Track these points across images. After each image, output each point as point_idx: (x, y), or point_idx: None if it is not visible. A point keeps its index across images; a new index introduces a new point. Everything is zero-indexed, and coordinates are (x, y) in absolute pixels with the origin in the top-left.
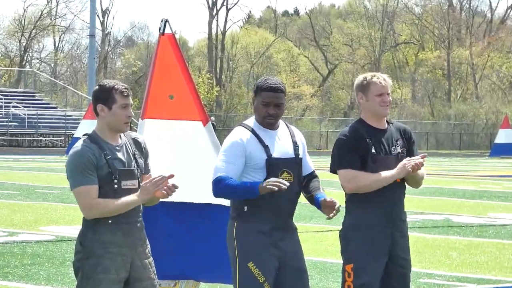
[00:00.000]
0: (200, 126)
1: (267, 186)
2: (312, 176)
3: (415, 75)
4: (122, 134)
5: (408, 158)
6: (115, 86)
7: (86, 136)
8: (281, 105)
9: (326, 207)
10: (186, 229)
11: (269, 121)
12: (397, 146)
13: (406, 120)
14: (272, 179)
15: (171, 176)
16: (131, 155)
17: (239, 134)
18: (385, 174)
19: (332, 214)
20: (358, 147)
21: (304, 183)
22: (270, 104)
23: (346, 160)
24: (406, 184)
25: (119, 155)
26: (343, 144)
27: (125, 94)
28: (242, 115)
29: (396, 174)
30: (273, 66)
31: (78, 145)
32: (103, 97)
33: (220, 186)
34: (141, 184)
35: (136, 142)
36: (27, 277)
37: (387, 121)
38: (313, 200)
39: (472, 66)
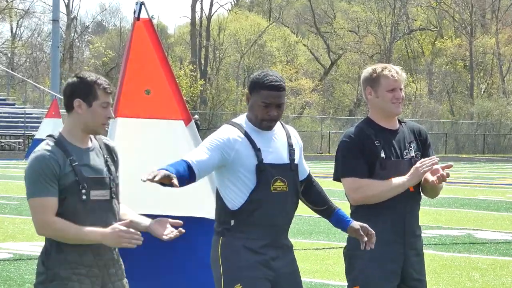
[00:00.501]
0: (181, 125)
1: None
2: (310, 181)
3: (432, 66)
4: (92, 137)
5: (421, 160)
6: (98, 81)
7: (50, 138)
8: (282, 105)
9: (360, 235)
10: (165, 246)
11: (268, 124)
12: (411, 149)
13: (421, 119)
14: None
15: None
16: (103, 161)
17: (226, 132)
18: (396, 181)
19: (370, 246)
20: (364, 151)
21: (303, 190)
22: (271, 105)
23: (352, 166)
24: (421, 194)
25: (89, 160)
26: (348, 147)
27: (108, 91)
28: (230, 113)
29: (408, 181)
30: (267, 56)
31: (39, 148)
32: (83, 91)
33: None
34: (117, 227)
35: (108, 147)
36: None
37: (399, 121)
38: (332, 215)
39: (499, 56)
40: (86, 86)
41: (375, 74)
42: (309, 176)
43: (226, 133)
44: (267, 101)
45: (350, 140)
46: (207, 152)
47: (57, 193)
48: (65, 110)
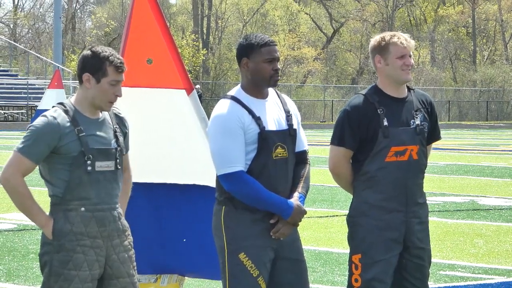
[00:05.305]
0: (183, 95)
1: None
2: (302, 158)
3: (434, 34)
4: None
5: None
6: (110, 58)
7: (60, 106)
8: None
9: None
10: (168, 215)
11: (276, 78)
12: (417, 118)
13: (424, 86)
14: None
15: None
16: (112, 131)
17: (228, 108)
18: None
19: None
20: (361, 125)
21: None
22: (274, 60)
23: (342, 137)
24: (426, 162)
25: (97, 131)
26: (345, 118)
27: (120, 70)
28: (233, 83)
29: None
30: (269, 25)
31: (48, 114)
32: (94, 66)
33: (244, 188)
34: None
35: (118, 117)
36: None
37: (408, 88)
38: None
39: (501, 23)
40: (97, 62)
41: (384, 42)
42: (303, 153)
43: (230, 109)
44: (270, 56)
45: (351, 110)
46: (238, 145)
47: (41, 159)
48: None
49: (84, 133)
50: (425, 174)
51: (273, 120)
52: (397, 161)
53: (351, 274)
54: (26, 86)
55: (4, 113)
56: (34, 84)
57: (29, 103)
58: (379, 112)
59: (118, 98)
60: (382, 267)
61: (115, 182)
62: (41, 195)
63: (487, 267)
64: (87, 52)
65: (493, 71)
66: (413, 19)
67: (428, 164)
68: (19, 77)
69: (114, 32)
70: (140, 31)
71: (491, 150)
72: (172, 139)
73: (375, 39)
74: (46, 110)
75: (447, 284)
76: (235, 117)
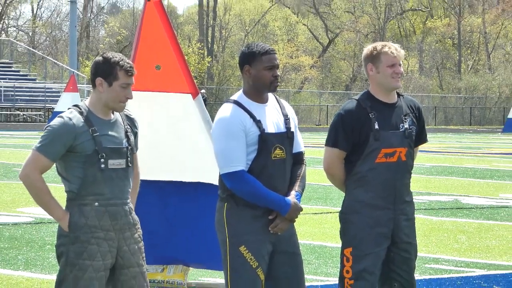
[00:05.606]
0: (189, 99)
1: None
2: (299, 159)
3: (423, 44)
4: None
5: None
6: (120, 62)
7: (76, 108)
8: (278, 66)
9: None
10: (174, 210)
11: (276, 84)
12: (406, 121)
13: (413, 93)
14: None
15: None
16: (123, 132)
17: (231, 111)
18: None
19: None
20: (354, 128)
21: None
22: (274, 67)
23: (336, 139)
24: (413, 163)
25: (110, 131)
26: (339, 121)
27: (130, 73)
28: (235, 88)
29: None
30: (269, 35)
31: (65, 115)
32: (105, 71)
33: (245, 187)
34: None
35: (129, 119)
36: (4, 262)
37: (398, 94)
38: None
39: (485, 35)
40: (108, 67)
41: (375, 51)
42: (299, 154)
43: (232, 112)
44: (270, 64)
45: (345, 114)
46: (240, 146)
47: (58, 158)
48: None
49: (97, 133)
50: (412, 175)
51: (272, 123)
52: (387, 162)
53: (342, 266)
54: (43, 90)
55: (23, 114)
56: (51, 88)
57: (46, 105)
58: (370, 116)
59: (130, 100)
60: (372, 260)
61: (126, 179)
62: (57, 191)
63: (468, 261)
64: (99, 58)
65: (476, 80)
66: (403, 31)
67: (415, 165)
68: (37, 81)
69: (126, 40)
70: (149, 39)
71: (473, 153)
72: (178, 140)
73: (367, 49)
74: (62, 111)
75: (432, 276)
76: (238, 120)
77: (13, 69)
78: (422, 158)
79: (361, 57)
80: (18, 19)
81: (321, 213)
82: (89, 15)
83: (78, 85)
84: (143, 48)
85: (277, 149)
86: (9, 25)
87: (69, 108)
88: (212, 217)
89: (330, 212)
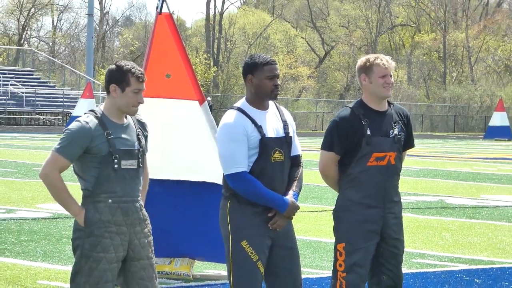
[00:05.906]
0: (196, 105)
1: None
2: (296, 162)
3: (411, 57)
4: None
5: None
6: (132, 70)
7: (92, 113)
8: (279, 76)
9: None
10: (181, 207)
11: (276, 93)
12: (395, 128)
13: (401, 102)
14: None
15: None
16: (135, 135)
17: (235, 117)
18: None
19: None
20: (350, 131)
21: None
22: (275, 77)
23: (331, 143)
24: (401, 166)
25: (123, 134)
26: (334, 127)
27: (141, 80)
28: (238, 96)
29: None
30: (270, 47)
31: (82, 119)
32: (118, 78)
33: (247, 186)
34: None
35: (140, 123)
36: (24, 253)
37: (388, 103)
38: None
39: (468, 49)
40: (121, 74)
41: (368, 63)
42: (297, 157)
43: (235, 118)
44: (271, 74)
45: (340, 121)
46: (243, 149)
47: (75, 158)
48: (100, 92)
49: (112, 136)
50: (400, 177)
51: (272, 129)
52: (378, 165)
53: (336, 260)
54: (62, 96)
55: (43, 118)
56: (69, 94)
57: (64, 110)
58: (363, 123)
59: (142, 105)
60: (362, 254)
61: (137, 178)
62: (74, 189)
63: (452, 256)
64: (112, 66)
65: (460, 90)
66: (393, 44)
67: (403, 168)
68: (56, 88)
69: (138, 51)
70: (160, 50)
71: (457, 157)
72: (186, 143)
73: (361, 60)
74: (79, 116)
75: (418, 270)
76: (240, 126)
77: (34, 76)
78: (409, 161)
79: (354, 68)
80: (40, 30)
81: (317, 211)
82: (104, 27)
83: (94, 92)
84: (154, 58)
85: (277, 152)
86: (31, 36)
87: (85, 113)
88: (216, 214)
89: (325, 211)
